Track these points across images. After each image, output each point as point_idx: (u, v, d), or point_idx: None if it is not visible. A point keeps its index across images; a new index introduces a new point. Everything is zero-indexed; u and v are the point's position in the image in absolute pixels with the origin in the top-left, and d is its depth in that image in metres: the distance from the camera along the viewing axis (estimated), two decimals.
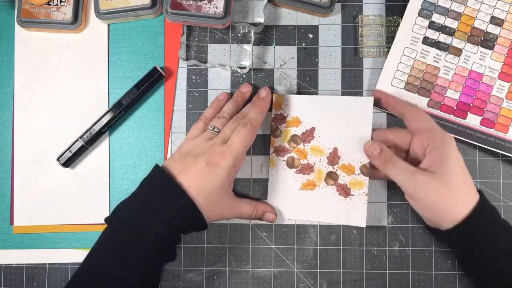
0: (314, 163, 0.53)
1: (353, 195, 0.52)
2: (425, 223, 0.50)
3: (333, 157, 0.52)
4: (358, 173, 0.52)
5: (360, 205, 0.52)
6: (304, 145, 0.53)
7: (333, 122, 0.53)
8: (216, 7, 0.52)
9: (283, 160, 0.53)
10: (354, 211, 0.52)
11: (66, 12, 0.54)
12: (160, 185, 0.47)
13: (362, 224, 0.52)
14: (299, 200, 0.53)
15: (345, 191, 0.52)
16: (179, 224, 0.46)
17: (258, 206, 0.51)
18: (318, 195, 0.53)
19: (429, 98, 0.54)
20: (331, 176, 0.52)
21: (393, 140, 0.49)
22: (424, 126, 0.46)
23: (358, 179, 0.52)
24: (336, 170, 0.52)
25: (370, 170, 0.51)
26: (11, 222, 0.55)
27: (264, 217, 0.52)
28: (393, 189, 0.54)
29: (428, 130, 0.46)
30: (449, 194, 0.44)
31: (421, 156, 0.46)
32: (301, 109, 0.53)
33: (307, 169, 0.53)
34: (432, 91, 0.54)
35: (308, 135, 0.53)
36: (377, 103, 0.54)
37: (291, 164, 0.53)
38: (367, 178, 0.52)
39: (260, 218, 0.52)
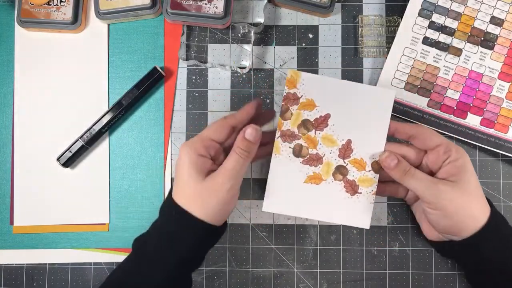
0: (324, 154, 0.48)
1: (360, 193, 0.48)
2: (428, 240, 0.51)
3: (346, 150, 0.48)
4: (369, 170, 0.48)
5: (367, 205, 0.48)
6: (315, 133, 0.48)
7: (350, 111, 0.48)
8: (216, 7, 0.52)
9: (290, 147, 0.48)
10: (359, 211, 0.48)
11: (66, 12, 0.54)
12: (162, 206, 0.48)
13: (366, 225, 0.49)
14: (301, 195, 0.49)
15: (352, 188, 0.48)
16: (185, 238, 0.44)
17: (235, 146, 0.45)
18: (323, 191, 0.48)
19: (429, 98, 0.54)
20: (340, 171, 0.48)
21: (407, 153, 0.48)
22: (440, 142, 0.47)
23: (368, 176, 0.48)
24: (347, 164, 0.48)
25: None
26: (11, 222, 0.55)
27: (248, 136, 0.45)
28: None
29: (445, 145, 0.46)
30: (471, 201, 0.45)
31: (435, 170, 0.47)
32: (318, 91, 0.48)
33: (315, 160, 0.48)
34: (432, 91, 0.54)
35: (322, 121, 0.48)
36: None
37: (298, 152, 0.48)
38: (377, 176, 0.48)
39: (249, 146, 0.45)
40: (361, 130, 0.48)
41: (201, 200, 0.43)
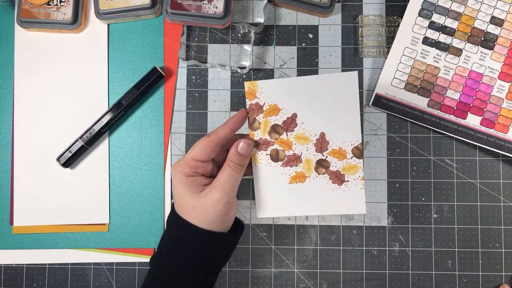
0: (301, 153, 0.48)
1: (348, 181, 0.48)
2: None
3: (321, 143, 0.48)
4: (350, 157, 0.48)
5: (357, 191, 0.48)
6: (287, 135, 0.48)
7: (316, 104, 0.48)
8: (216, 7, 0.52)
9: (267, 154, 0.49)
10: (351, 198, 0.48)
11: (66, 12, 0.54)
12: (168, 218, 0.48)
13: (362, 210, 0.48)
14: (290, 196, 0.49)
15: (338, 178, 0.48)
16: (194, 248, 0.45)
17: (228, 160, 0.46)
18: (310, 187, 0.49)
19: (429, 98, 0.54)
20: (322, 164, 0.48)
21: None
22: None
23: (351, 163, 0.48)
24: (326, 157, 0.48)
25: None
26: (11, 222, 0.55)
27: (241, 150, 0.46)
28: (393, 189, 0.54)
29: None
30: None
31: None
32: (279, 94, 0.48)
33: (294, 160, 0.49)
34: (432, 91, 0.54)
35: (291, 122, 0.48)
36: (377, 103, 0.54)
37: (275, 157, 0.49)
38: (361, 160, 0.48)
39: (242, 159, 0.46)
40: (332, 120, 0.48)
41: (201, 214, 0.44)
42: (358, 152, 0.48)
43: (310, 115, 0.48)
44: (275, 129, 0.49)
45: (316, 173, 0.49)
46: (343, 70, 0.55)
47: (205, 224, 0.44)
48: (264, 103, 0.49)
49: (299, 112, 0.49)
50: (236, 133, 0.47)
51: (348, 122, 0.48)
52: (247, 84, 0.49)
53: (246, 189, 0.55)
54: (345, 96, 0.48)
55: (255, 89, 0.49)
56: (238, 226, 0.48)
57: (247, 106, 0.49)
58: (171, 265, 0.44)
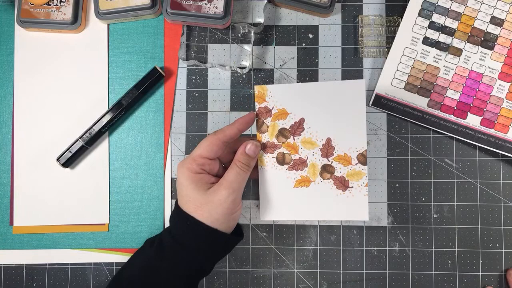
0: (307, 157, 0.49)
1: (352, 187, 0.49)
2: None
3: (327, 149, 0.49)
4: (355, 163, 0.49)
5: (361, 197, 0.49)
6: (294, 139, 0.49)
7: (323, 110, 0.49)
8: (216, 7, 0.52)
9: (273, 157, 0.50)
10: (354, 204, 0.49)
11: (66, 12, 0.54)
12: (172, 215, 0.48)
13: (365, 217, 0.49)
14: (294, 200, 0.50)
15: (343, 184, 0.49)
16: (198, 245, 0.45)
17: (235, 160, 0.47)
18: (314, 192, 0.49)
19: (429, 98, 0.54)
20: (327, 169, 0.49)
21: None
22: None
23: (356, 169, 0.49)
24: (332, 162, 0.49)
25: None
26: (11, 222, 0.55)
27: (248, 151, 0.47)
28: (393, 189, 0.54)
29: None
30: None
31: None
32: (287, 99, 0.49)
33: (300, 164, 0.49)
34: (432, 91, 0.54)
35: (298, 127, 0.49)
36: (377, 103, 0.54)
37: (281, 160, 0.50)
38: (366, 167, 0.49)
39: (249, 160, 0.47)
40: (339, 126, 0.49)
41: (208, 210, 0.45)
42: (363, 159, 0.49)
43: (317, 120, 0.49)
44: (282, 132, 0.50)
45: (321, 178, 0.49)
46: (343, 70, 0.55)
47: (211, 222, 0.44)
48: (273, 107, 0.50)
49: (307, 117, 0.49)
50: (241, 134, 0.47)
51: (354, 129, 0.49)
52: (257, 88, 0.50)
53: (247, 189, 0.55)
54: (352, 103, 0.49)
55: (264, 93, 0.50)
56: (238, 232, 0.49)
57: (256, 109, 0.50)
58: (171, 258, 0.45)
